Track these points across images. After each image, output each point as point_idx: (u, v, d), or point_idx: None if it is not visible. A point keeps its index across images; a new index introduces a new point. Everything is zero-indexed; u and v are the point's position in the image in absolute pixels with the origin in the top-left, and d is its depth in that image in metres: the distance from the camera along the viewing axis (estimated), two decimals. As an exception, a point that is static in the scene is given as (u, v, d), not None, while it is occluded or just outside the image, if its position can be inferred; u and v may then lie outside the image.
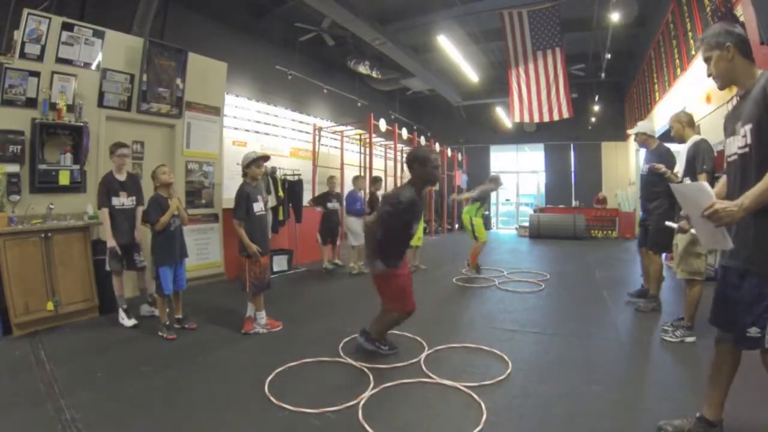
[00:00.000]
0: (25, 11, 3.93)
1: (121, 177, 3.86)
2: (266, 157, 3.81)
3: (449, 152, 12.83)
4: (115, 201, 3.77)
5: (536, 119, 8.94)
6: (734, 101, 4.27)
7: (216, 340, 3.39)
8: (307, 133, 9.46)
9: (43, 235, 3.61)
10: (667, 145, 4.14)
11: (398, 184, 9.96)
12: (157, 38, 5.38)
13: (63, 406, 2.26)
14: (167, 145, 5.26)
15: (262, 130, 8.42)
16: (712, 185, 1.98)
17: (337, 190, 6.73)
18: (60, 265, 3.69)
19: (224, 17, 7.66)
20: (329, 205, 6.37)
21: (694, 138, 3.31)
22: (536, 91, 8.68)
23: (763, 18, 3.42)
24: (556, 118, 8.75)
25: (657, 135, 4.31)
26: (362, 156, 10.28)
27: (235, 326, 3.59)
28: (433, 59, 10.55)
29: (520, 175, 15.36)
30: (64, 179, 4.11)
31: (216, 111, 5.75)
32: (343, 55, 9.88)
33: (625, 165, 12.58)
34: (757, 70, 1.69)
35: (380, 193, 6.57)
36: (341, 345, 3.14)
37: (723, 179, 1.86)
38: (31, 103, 3.94)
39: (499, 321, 3.85)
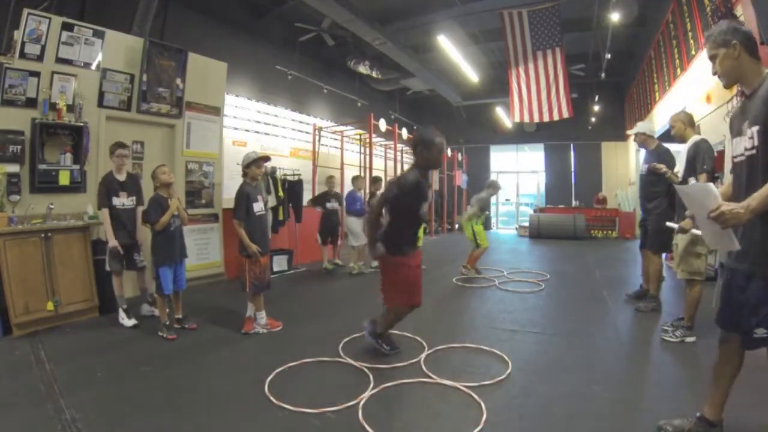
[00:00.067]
0: (25, 11, 3.93)
1: (121, 177, 3.86)
2: (266, 158, 3.81)
3: (449, 152, 12.83)
4: (116, 201, 3.77)
5: (536, 119, 8.94)
6: (734, 101, 4.29)
7: (216, 340, 3.39)
8: (307, 133, 9.46)
9: (43, 235, 3.61)
10: (667, 145, 4.14)
11: (398, 184, 9.95)
12: (157, 38, 5.38)
13: (63, 406, 2.26)
14: (167, 145, 5.26)
15: (262, 130, 8.42)
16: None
17: (336, 189, 6.72)
18: (60, 265, 3.69)
19: (224, 17, 7.66)
20: (328, 205, 6.37)
21: (695, 138, 3.31)
22: (536, 91, 8.68)
23: (762, 18, 3.42)
24: (556, 118, 8.75)
25: (657, 135, 4.31)
26: (362, 156, 10.28)
27: (235, 326, 3.59)
28: (433, 59, 10.54)
29: (520, 175, 15.36)
30: (64, 179, 4.11)
31: (216, 111, 5.75)
32: (343, 55, 9.88)
33: (625, 165, 12.59)
34: (765, 69, 1.67)
35: (380, 192, 6.59)
36: (341, 345, 3.14)
37: (729, 179, 1.85)
38: (31, 103, 3.94)
39: (499, 321, 3.85)
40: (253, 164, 3.58)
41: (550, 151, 14.51)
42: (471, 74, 10.10)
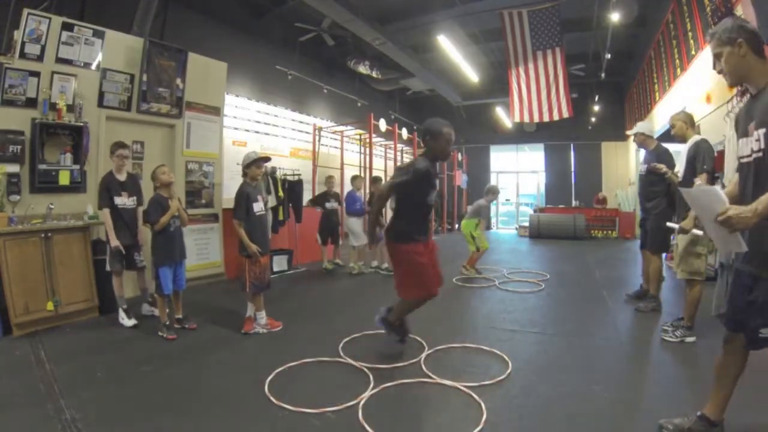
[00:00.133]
0: (25, 11, 3.93)
1: (122, 177, 3.86)
2: (267, 158, 3.81)
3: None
4: (117, 201, 3.77)
5: (536, 119, 8.94)
6: (734, 101, 4.28)
7: (216, 340, 3.39)
8: (307, 133, 9.46)
9: (43, 235, 3.61)
10: (667, 144, 4.15)
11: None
12: (157, 38, 5.38)
13: (63, 406, 2.26)
14: (167, 145, 5.26)
15: (262, 130, 8.42)
16: (713, 185, 1.97)
17: (336, 189, 6.72)
18: (60, 265, 3.69)
19: (224, 17, 7.67)
20: (328, 205, 6.37)
21: (695, 138, 3.32)
22: (536, 91, 8.68)
23: (763, 18, 3.42)
24: (556, 118, 8.75)
25: (657, 135, 4.32)
26: (362, 156, 10.28)
27: (235, 326, 3.59)
28: (433, 59, 10.54)
29: (520, 175, 15.36)
30: (64, 179, 4.11)
31: (216, 111, 5.75)
32: (343, 55, 9.88)
33: (625, 165, 12.59)
34: None
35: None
36: (341, 345, 3.14)
37: (735, 179, 1.84)
38: (31, 103, 3.94)
39: (499, 321, 3.85)
40: (253, 164, 3.58)
41: (550, 151, 14.51)
42: (471, 74, 10.11)
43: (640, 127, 4.19)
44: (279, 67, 8.85)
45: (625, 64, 11.12)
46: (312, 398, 2.32)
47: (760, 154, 1.59)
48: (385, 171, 10.08)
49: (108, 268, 3.78)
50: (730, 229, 1.48)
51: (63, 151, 4.14)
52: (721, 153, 4.30)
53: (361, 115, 10.17)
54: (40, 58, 4.01)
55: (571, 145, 14.06)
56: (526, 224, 12.05)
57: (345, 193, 6.71)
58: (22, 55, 3.91)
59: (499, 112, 13.71)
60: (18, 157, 3.82)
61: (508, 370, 2.69)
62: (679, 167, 3.43)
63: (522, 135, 14.49)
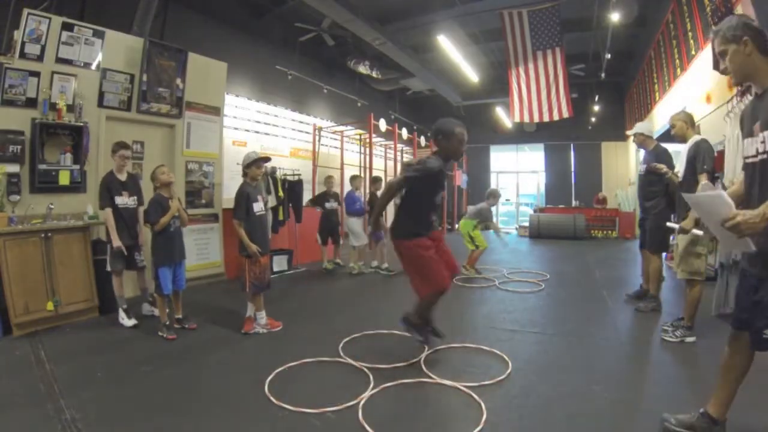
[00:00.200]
0: (25, 11, 3.93)
1: (122, 177, 3.86)
2: (267, 159, 3.81)
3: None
4: (119, 201, 3.77)
5: (536, 119, 8.94)
6: (734, 101, 4.28)
7: (216, 340, 3.39)
8: (307, 133, 9.46)
9: (43, 235, 3.61)
10: (667, 144, 4.15)
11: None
12: (157, 38, 5.38)
13: (63, 406, 2.26)
14: (167, 145, 5.26)
15: (262, 130, 8.42)
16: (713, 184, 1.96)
17: (335, 189, 6.72)
18: (60, 265, 3.69)
19: (224, 17, 7.67)
20: (327, 205, 6.36)
21: (695, 138, 3.32)
22: (536, 91, 8.67)
23: (763, 18, 3.42)
24: (556, 118, 8.75)
25: (657, 135, 4.33)
26: (362, 156, 10.28)
27: (235, 326, 3.59)
28: (433, 59, 10.54)
29: (520, 175, 15.36)
30: (64, 179, 4.11)
31: (216, 111, 5.75)
32: (343, 55, 9.88)
33: (625, 165, 12.59)
34: None
35: (380, 193, 6.58)
36: (341, 345, 3.14)
37: (741, 178, 1.83)
38: (31, 103, 3.94)
39: (499, 321, 3.85)
40: (253, 164, 3.58)
41: (550, 151, 14.50)
42: (471, 74, 10.11)
43: (639, 127, 4.20)
44: (279, 67, 8.85)
45: (625, 64, 11.11)
46: (312, 398, 2.32)
47: (765, 156, 1.58)
48: (385, 171, 10.08)
49: (108, 268, 3.78)
50: (739, 236, 1.48)
51: (63, 151, 4.15)
52: (721, 153, 4.30)
53: (361, 115, 10.17)
54: (40, 58, 4.01)
55: (571, 145, 14.06)
56: (526, 224, 12.05)
57: (344, 193, 6.70)
58: (22, 55, 3.91)
59: (499, 112, 13.71)
60: (18, 157, 3.82)
61: (508, 370, 2.69)
62: (679, 167, 3.43)
63: (522, 135, 14.48)
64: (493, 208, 5.95)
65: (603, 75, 9.72)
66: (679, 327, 3.19)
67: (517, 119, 9.18)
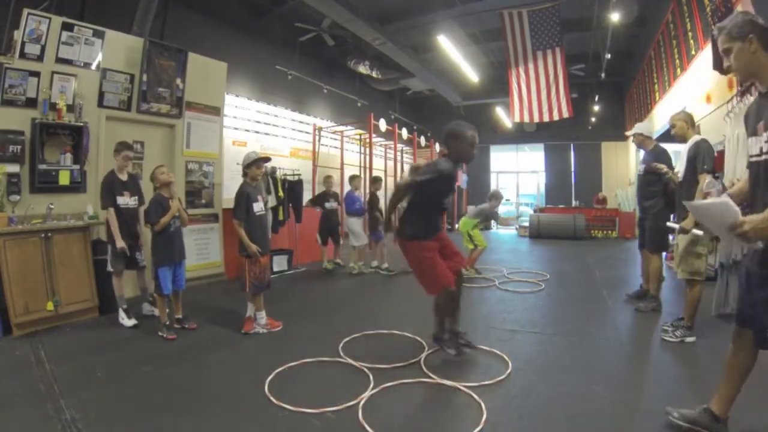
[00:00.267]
0: (25, 11, 3.93)
1: (123, 177, 3.86)
2: (267, 159, 3.82)
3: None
4: (120, 200, 3.78)
5: (536, 119, 8.94)
6: (734, 101, 4.27)
7: (216, 340, 3.39)
8: (307, 133, 9.46)
9: (43, 235, 3.61)
10: (668, 144, 4.16)
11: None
12: (157, 38, 5.38)
13: (63, 406, 2.26)
14: (167, 145, 5.26)
15: (262, 130, 8.42)
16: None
17: (335, 189, 6.71)
18: (60, 265, 3.69)
19: (224, 17, 7.67)
20: (327, 204, 6.36)
21: (695, 138, 3.32)
22: (536, 91, 8.68)
23: (763, 18, 3.41)
24: (556, 118, 8.76)
25: (657, 135, 4.33)
26: (362, 156, 10.28)
27: (235, 326, 3.59)
28: (433, 59, 10.54)
29: (520, 175, 15.37)
30: (64, 179, 4.11)
31: (216, 111, 5.75)
32: (343, 55, 9.88)
33: (625, 165, 12.59)
34: None
35: (380, 193, 6.58)
36: (341, 345, 3.14)
37: (745, 176, 1.83)
38: (31, 103, 3.94)
39: (499, 321, 3.85)
40: (253, 165, 3.58)
41: (550, 151, 14.51)
42: (471, 74, 10.11)
43: (638, 127, 4.22)
44: (279, 67, 8.85)
45: (625, 64, 11.12)
46: (312, 398, 2.32)
47: None
48: (385, 171, 10.08)
49: (110, 268, 3.79)
50: (747, 242, 1.48)
51: (63, 151, 4.14)
52: (721, 153, 4.30)
53: (361, 115, 10.17)
54: (40, 58, 4.01)
55: (571, 145, 14.07)
56: (526, 224, 12.05)
57: (344, 193, 6.70)
58: (22, 55, 3.91)
59: (499, 112, 13.71)
60: (18, 157, 3.82)
61: (508, 370, 2.69)
62: (680, 167, 3.44)
63: (522, 135, 14.49)
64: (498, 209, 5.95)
65: (603, 75, 9.72)
66: (679, 327, 3.19)
67: (517, 119, 9.18)
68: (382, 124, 9.51)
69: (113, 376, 2.68)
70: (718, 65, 4.54)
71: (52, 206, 3.93)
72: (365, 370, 2.70)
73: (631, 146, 10.56)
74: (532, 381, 2.59)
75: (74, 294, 3.78)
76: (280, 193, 6.14)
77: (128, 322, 3.68)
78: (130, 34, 4.98)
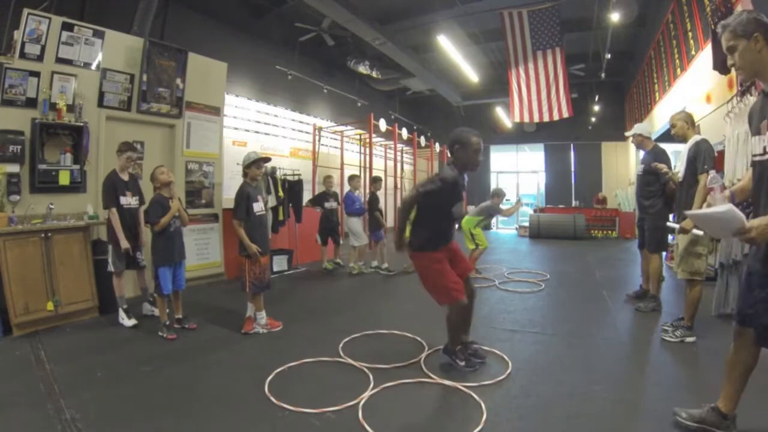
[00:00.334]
0: (25, 11, 3.93)
1: (125, 177, 3.87)
2: (267, 159, 3.82)
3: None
4: (123, 201, 3.78)
5: (536, 119, 8.94)
6: (734, 101, 4.27)
7: (216, 340, 3.39)
8: (307, 133, 9.46)
9: (43, 235, 3.61)
10: (668, 144, 4.16)
11: (398, 184, 9.97)
12: (157, 38, 5.39)
13: (63, 406, 2.26)
14: (167, 145, 5.26)
15: (262, 130, 8.42)
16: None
17: (335, 189, 6.71)
18: (60, 265, 3.69)
19: (224, 17, 7.66)
20: (327, 204, 6.36)
21: (695, 138, 3.32)
22: (536, 91, 8.68)
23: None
24: (556, 118, 8.75)
25: (657, 135, 4.34)
26: (362, 156, 10.28)
27: (235, 326, 3.59)
28: (433, 59, 10.54)
29: (520, 175, 15.36)
30: (64, 179, 4.11)
31: (216, 111, 5.75)
32: (343, 55, 9.88)
33: (625, 165, 12.59)
34: None
35: (380, 193, 6.58)
36: (341, 345, 3.14)
37: (749, 174, 1.83)
38: (31, 103, 3.94)
39: (499, 321, 3.85)
40: (254, 165, 3.59)
41: (550, 151, 14.50)
42: (471, 74, 10.11)
43: (637, 128, 4.25)
44: (279, 67, 8.85)
45: (625, 64, 11.11)
46: (312, 398, 2.32)
47: None
48: (385, 171, 10.07)
49: (111, 268, 3.79)
50: (754, 246, 1.49)
51: (63, 151, 4.15)
52: (721, 153, 4.31)
53: (361, 115, 10.17)
54: (40, 58, 4.01)
55: (571, 145, 14.05)
56: (526, 224, 12.05)
57: (344, 193, 6.69)
58: (22, 55, 3.91)
59: (499, 112, 13.71)
60: (18, 157, 3.82)
61: (508, 370, 2.69)
62: (680, 167, 3.44)
63: (522, 135, 14.48)
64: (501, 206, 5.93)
65: (603, 75, 9.72)
66: (679, 327, 3.19)
67: (517, 119, 9.18)
68: (382, 124, 9.51)
69: (113, 376, 2.68)
70: (718, 65, 4.57)
71: (52, 206, 3.93)
72: (365, 370, 2.70)
73: (631, 146, 10.55)
74: (532, 381, 2.59)
75: (74, 294, 3.78)
76: (280, 193, 6.14)
77: (128, 322, 3.68)
78: (130, 34, 4.98)
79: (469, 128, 2.84)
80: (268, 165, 4.67)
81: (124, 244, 3.69)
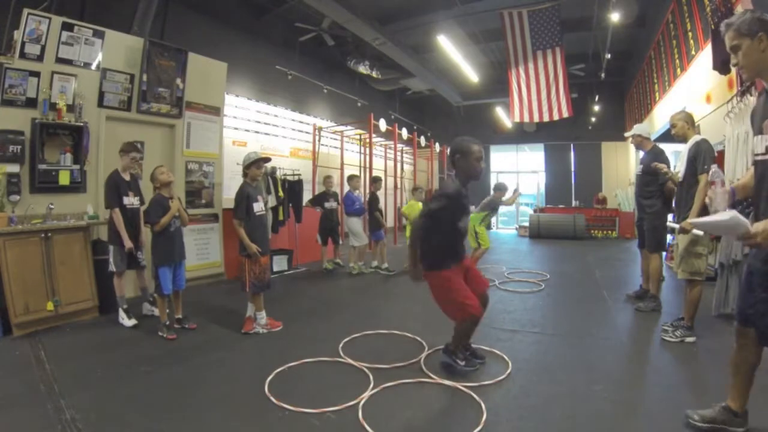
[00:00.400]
0: (25, 11, 3.93)
1: (126, 177, 3.87)
2: (267, 159, 3.82)
3: (449, 152, 12.83)
4: (126, 201, 3.79)
5: (536, 119, 8.94)
6: (734, 101, 4.26)
7: (216, 340, 3.39)
8: (307, 133, 9.46)
9: (43, 235, 3.61)
10: (668, 144, 4.17)
11: (398, 184, 9.98)
12: (157, 38, 5.38)
13: (63, 406, 2.26)
14: (167, 145, 5.26)
15: (262, 130, 8.42)
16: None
17: (335, 189, 6.71)
18: (60, 265, 3.69)
19: (224, 17, 7.66)
20: (327, 204, 6.36)
21: (695, 138, 3.32)
22: (536, 91, 8.67)
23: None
24: (556, 118, 8.75)
25: (658, 135, 4.36)
26: (362, 156, 10.28)
27: (235, 326, 3.59)
28: (433, 59, 10.54)
29: (520, 175, 15.35)
30: (64, 179, 4.11)
31: (216, 111, 5.75)
32: (343, 55, 9.88)
33: (625, 165, 12.59)
34: None
35: (380, 193, 6.58)
36: (341, 345, 3.14)
37: (750, 171, 1.83)
38: (31, 103, 3.94)
39: (499, 321, 3.85)
40: (254, 165, 3.59)
41: (550, 151, 14.50)
42: (471, 74, 10.10)
43: (637, 129, 4.27)
44: (279, 67, 8.85)
45: (625, 64, 11.12)
46: (312, 398, 2.32)
47: None
48: (385, 171, 10.08)
49: (113, 269, 3.78)
50: (759, 248, 1.50)
51: (63, 151, 4.15)
52: (721, 153, 4.31)
53: (361, 115, 10.16)
54: (40, 58, 4.01)
55: (571, 145, 14.05)
56: (526, 224, 12.05)
57: (343, 193, 6.69)
58: (22, 55, 3.91)
59: (499, 112, 13.71)
60: (18, 157, 3.82)
61: (508, 370, 2.69)
62: (680, 167, 3.44)
63: (522, 135, 14.48)
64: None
65: (603, 75, 9.72)
66: (679, 327, 3.19)
67: (517, 119, 9.18)
68: (382, 124, 9.51)
69: (113, 376, 2.68)
70: (718, 65, 4.57)
71: (52, 206, 3.93)
72: (365, 370, 2.70)
73: (631, 146, 10.50)
74: (532, 381, 2.59)
75: (74, 294, 3.78)
76: (280, 193, 6.14)
77: (128, 322, 3.68)
78: (130, 34, 4.98)
79: (469, 137, 2.78)
80: (268, 165, 4.67)
81: (128, 244, 3.69)
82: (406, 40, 9.23)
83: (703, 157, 3.13)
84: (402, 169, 11.58)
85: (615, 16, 7.05)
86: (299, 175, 6.83)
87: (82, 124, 4.24)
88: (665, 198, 3.92)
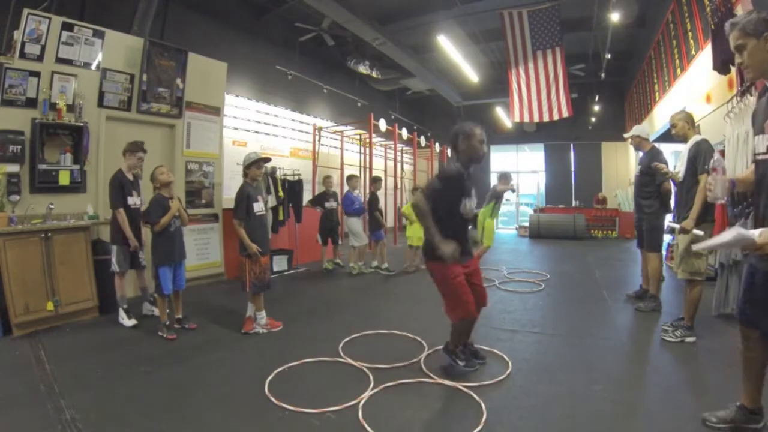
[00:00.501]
0: (25, 11, 3.93)
1: (130, 177, 3.87)
2: (267, 159, 3.82)
3: (449, 152, 12.83)
4: (129, 200, 3.79)
5: (536, 119, 8.94)
6: (734, 101, 4.26)
7: (216, 340, 3.39)
8: (307, 133, 9.46)
9: (43, 235, 3.61)
10: (668, 144, 4.18)
11: (398, 184, 9.97)
12: (157, 38, 5.38)
13: (63, 406, 2.26)
14: (167, 145, 5.26)
15: (262, 130, 8.42)
16: None
17: (334, 189, 6.71)
18: (60, 265, 3.69)
19: (224, 17, 7.66)
20: (327, 204, 6.36)
21: (696, 138, 3.32)
22: (536, 91, 8.67)
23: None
24: (556, 117, 8.74)
25: (657, 135, 4.36)
26: (362, 156, 10.28)
27: (235, 326, 3.59)
28: (433, 59, 10.54)
29: (520, 175, 15.34)
30: (64, 179, 4.11)
31: (216, 111, 5.75)
32: (343, 55, 9.87)
33: (625, 165, 12.59)
34: None
35: (380, 193, 6.58)
36: (341, 345, 3.14)
37: (752, 167, 1.83)
38: (31, 103, 3.94)
39: (499, 321, 3.85)
40: (254, 165, 3.59)
41: (550, 151, 14.50)
42: (471, 74, 10.10)
43: (636, 130, 4.30)
44: (279, 67, 8.85)
45: (625, 64, 11.11)
46: (312, 398, 2.32)
47: None
48: (385, 171, 10.08)
49: (116, 268, 3.79)
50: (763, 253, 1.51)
51: (63, 151, 4.15)
52: (721, 153, 4.31)
53: (361, 115, 10.16)
54: (40, 58, 4.01)
55: (571, 145, 14.05)
56: (526, 224, 12.05)
57: (343, 193, 6.69)
58: (22, 55, 3.91)
59: (499, 112, 13.71)
60: (18, 157, 3.82)
61: (508, 370, 2.69)
62: (680, 167, 3.44)
63: (522, 135, 14.48)
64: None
65: (603, 75, 9.72)
66: (679, 327, 3.19)
67: (517, 119, 9.17)
68: (382, 124, 9.51)
69: (113, 376, 2.68)
70: (718, 65, 4.57)
71: (52, 206, 3.93)
72: (365, 370, 2.70)
73: (631, 146, 10.56)
74: (532, 381, 2.59)
75: (74, 294, 3.78)
76: (280, 193, 6.14)
77: (128, 322, 3.68)
78: (130, 34, 4.98)
79: (469, 122, 2.80)
80: (268, 165, 4.67)
81: (134, 242, 3.70)
82: (406, 40, 9.22)
83: (704, 157, 3.13)
84: (402, 169, 11.58)
85: (615, 16, 7.05)
86: (299, 175, 6.83)
87: (82, 124, 4.24)
88: (663, 199, 3.94)
